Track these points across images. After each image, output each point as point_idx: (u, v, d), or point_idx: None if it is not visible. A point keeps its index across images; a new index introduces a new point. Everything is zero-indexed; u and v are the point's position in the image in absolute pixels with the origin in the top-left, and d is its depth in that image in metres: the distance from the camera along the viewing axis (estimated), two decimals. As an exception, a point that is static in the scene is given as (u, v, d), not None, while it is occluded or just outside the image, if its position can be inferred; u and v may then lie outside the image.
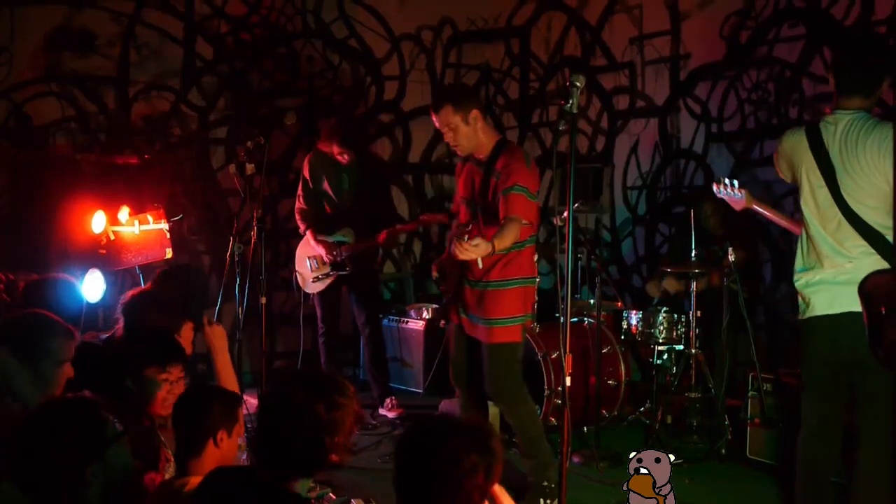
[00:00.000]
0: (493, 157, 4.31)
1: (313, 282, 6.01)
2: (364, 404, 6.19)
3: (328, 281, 5.97)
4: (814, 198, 3.72)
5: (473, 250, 3.95)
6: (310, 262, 6.00)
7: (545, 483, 4.33)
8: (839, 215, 3.64)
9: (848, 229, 3.62)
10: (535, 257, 4.63)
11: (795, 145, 3.78)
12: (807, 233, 3.79)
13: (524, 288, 4.38)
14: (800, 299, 3.81)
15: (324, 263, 5.94)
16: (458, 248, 3.97)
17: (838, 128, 3.66)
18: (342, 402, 2.48)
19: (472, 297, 4.39)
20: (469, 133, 4.29)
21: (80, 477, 2.34)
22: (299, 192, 6.10)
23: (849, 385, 3.71)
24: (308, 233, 6.00)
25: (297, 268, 6.14)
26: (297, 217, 6.10)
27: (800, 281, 3.79)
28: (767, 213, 4.24)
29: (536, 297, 5.13)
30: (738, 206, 4.28)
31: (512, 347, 4.34)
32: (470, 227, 4.26)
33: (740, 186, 4.26)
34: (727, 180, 4.29)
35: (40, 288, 3.89)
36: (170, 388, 3.26)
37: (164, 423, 3.26)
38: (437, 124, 4.37)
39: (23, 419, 2.50)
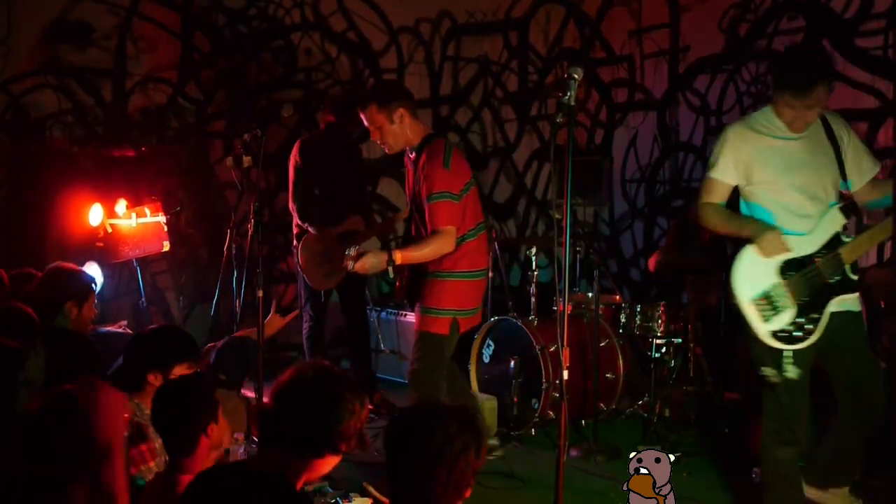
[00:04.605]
0: (418, 156, 4.28)
1: (325, 278, 5.89)
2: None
3: (342, 275, 5.85)
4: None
5: (360, 263, 4.13)
6: (319, 259, 5.89)
7: None
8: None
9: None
10: (488, 249, 4.55)
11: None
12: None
13: (458, 282, 4.27)
14: None
15: (330, 260, 5.81)
16: (346, 261, 4.13)
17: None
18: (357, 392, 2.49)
19: (419, 287, 4.37)
20: (396, 131, 4.26)
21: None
22: (293, 177, 5.90)
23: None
24: (312, 228, 5.88)
25: (302, 268, 5.89)
26: (291, 198, 5.87)
27: None
28: None
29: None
30: None
31: (434, 338, 4.27)
32: (356, 238, 4.31)
33: None
34: None
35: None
36: None
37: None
38: (364, 123, 4.34)
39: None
